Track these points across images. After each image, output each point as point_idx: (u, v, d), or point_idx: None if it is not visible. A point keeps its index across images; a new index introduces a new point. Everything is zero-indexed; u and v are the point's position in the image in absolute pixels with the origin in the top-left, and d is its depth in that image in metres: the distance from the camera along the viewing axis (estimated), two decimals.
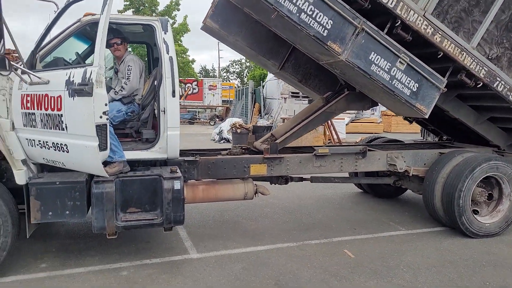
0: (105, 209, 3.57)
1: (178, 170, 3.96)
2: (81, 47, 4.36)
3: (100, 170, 3.27)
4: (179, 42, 22.30)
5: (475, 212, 4.93)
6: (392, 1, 4.00)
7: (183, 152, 4.99)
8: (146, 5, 21.85)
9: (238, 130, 5.03)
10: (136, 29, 4.33)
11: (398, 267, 3.92)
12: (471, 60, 4.42)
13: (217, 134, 14.00)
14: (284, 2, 3.72)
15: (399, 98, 4.33)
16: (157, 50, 3.91)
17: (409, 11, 4.07)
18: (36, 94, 3.28)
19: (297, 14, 3.79)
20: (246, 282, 3.57)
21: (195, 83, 30.15)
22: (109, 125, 3.55)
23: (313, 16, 3.83)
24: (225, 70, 61.36)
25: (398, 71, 4.22)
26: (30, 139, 3.44)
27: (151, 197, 3.80)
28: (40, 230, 4.38)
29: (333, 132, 12.47)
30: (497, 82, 4.58)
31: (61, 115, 3.18)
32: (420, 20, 4.14)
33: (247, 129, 4.90)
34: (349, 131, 16.86)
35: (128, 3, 21.73)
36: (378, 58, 4.13)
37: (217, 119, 23.82)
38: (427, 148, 5.91)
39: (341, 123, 16.00)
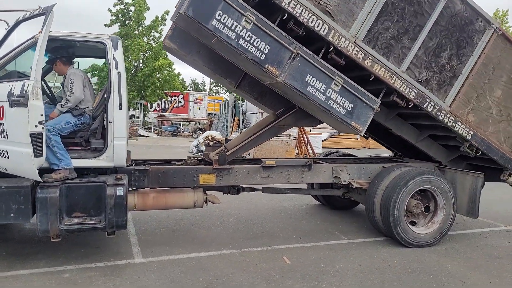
0: (49, 213, 3.80)
1: (125, 178, 4.20)
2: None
3: (34, 175, 3.51)
4: (165, 56, 22.67)
5: (413, 223, 5.26)
6: (324, 29, 4.37)
7: (138, 162, 5.26)
8: (133, 19, 22.25)
9: (211, 143, 5.18)
10: (96, 45, 4.62)
11: (328, 273, 4.19)
12: (401, 83, 4.79)
13: (195, 147, 14.25)
14: (223, 28, 4.04)
15: (335, 117, 4.67)
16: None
17: (341, 38, 4.44)
18: None
19: (236, 40, 4.11)
20: (180, 284, 3.80)
21: (181, 96, 30.50)
22: (56, 135, 3.81)
23: (251, 41, 4.15)
24: (215, 84, 61.98)
25: (333, 92, 4.55)
26: None
27: (95, 202, 4.03)
28: None
29: (309, 147, 12.83)
30: (427, 103, 4.94)
31: (3, 123, 3.44)
32: (351, 46, 4.50)
33: (219, 142, 5.10)
34: (327, 146, 17.23)
35: (114, 17, 22.11)
36: (313, 80, 4.45)
37: (200, 132, 24.07)
38: (375, 162, 6.26)
39: (318, 138, 16.39)
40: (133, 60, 22.30)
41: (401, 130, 5.73)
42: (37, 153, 3.38)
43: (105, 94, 4.26)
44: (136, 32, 22.50)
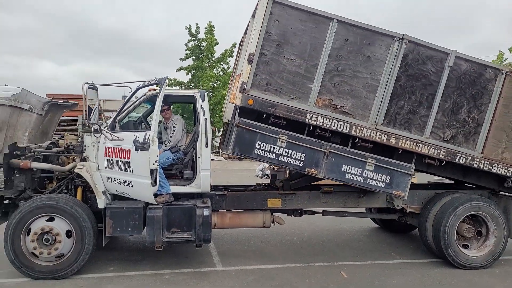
0: (155, 228, 4.98)
1: (209, 201, 5.29)
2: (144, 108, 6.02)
3: (151, 199, 4.71)
4: None
5: (466, 246, 5.64)
6: (346, 127, 5.09)
7: (217, 187, 6.36)
8: (204, 53, 24.48)
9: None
10: (188, 97, 5.87)
11: (380, 287, 4.82)
12: (428, 148, 5.28)
13: (260, 171, 15.32)
14: (264, 153, 5.02)
15: (377, 191, 5.41)
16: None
17: (362, 129, 5.12)
18: (114, 147, 4.87)
19: (276, 159, 5.05)
20: None
21: None
22: (159, 168, 5.02)
23: (289, 155, 5.06)
24: None
25: (369, 172, 5.22)
26: (108, 177, 5.01)
27: (187, 221, 5.15)
28: (108, 244, 5.89)
29: None
30: (458, 157, 5.36)
31: (129, 162, 4.73)
32: (373, 133, 5.16)
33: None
34: None
35: (190, 52, 24.50)
36: (349, 168, 5.18)
37: None
38: (430, 188, 6.70)
39: None
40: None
41: (445, 172, 5.97)
42: (153, 183, 4.58)
43: (194, 135, 5.44)
44: (207, 64, 24.64)
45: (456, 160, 5.38)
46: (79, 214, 4.87)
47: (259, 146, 5.01)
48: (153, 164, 4.51)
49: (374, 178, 5.24)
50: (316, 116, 5.04)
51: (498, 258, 5.57)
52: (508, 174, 5.55)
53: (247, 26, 5.67)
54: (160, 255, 5.75)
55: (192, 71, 24.46)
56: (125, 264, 5.47)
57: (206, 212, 5.07)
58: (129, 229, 4.95)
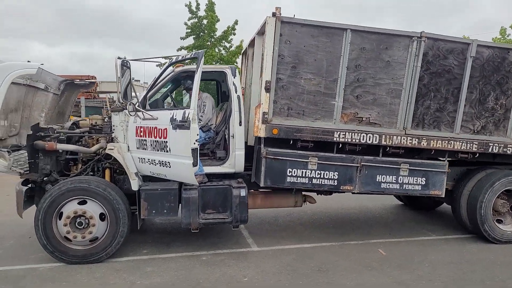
0: (191, 209, 4.86)
1: (243, 182, 5.15)
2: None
3: (193, 179, 4.55)
4: (236, 63, 24.05)
5: (499, 221, 5.60)
6: (376, 138, 4.99)
7: (246, 167, 6.22)
8: (205, 31, 23.91)
9: None
10: (218, 73, 5.64)
11: (421, 263, 4.78)
12: (460, 143, 5.19)
13: None
14: (297, 179, 4.98)
15: (414, 195, 5.38)
16: (225, 86, 5.16)
17: (392, 137, 5.01)
18: (148, 127, 4.68)
19: (310, 182, 5.04)
20: (295, 268, 4.64)
21: None
22: None
23: (322, 177, 5.02)
24: None
25: (403, 177, 5.20)
26: (141, 158, 4.84)
27: (223, 201, 5.03)
28: (134, 227, 5.79)
29: None
30: (491, 146, 5.28)
31: (166, 141, 4.55)
32: (403, 138, 5.05)
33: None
34: None
35: (189, 30, 23.93)
36: (384, 177, 5.15)
37: None
38: (460, 165, 6.57)
39: None
40: None
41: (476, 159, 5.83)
42: (195, 163, 4.42)
43: (226, 113, 5.26)
44: (209, 43, 24.11)
45: (490, 150, 5.33)
46: (112, 197, 4.72)
47: (291, 173, 5.00)
48: (194, 143, 4.34)
49: (409, 182, 5.25)
50: (344, 133, 4.95)
51: None
52: None
53: (253, 39, 5.41)
54: (191, 236, 5.65)
55: (194, 51, 23.94)
56: (158, 247, 5.38)
57: (243, 192, 4.95)
58: (165, 211, 4.83)
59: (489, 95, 5.26)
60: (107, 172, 5.15)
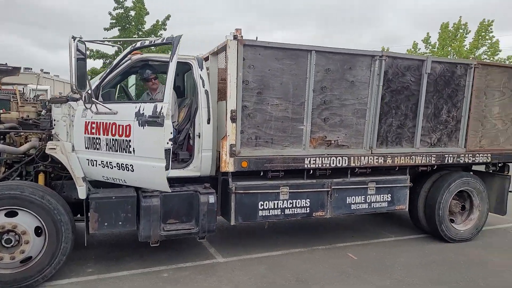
0: (152, 220, 4.19)
1: (210, 187, 4.62)
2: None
3: (165, 186, 3.90)
4: None
5: (452, 221, 5.85)
6: (345, 161, 4.92)
7: None
8: (133, 23, 22.35)
9: None
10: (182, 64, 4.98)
11: (393, 266, 4.73)
12: (420, 158, 5.35)
13: None
14: (269, 212, 4.72)
15: (381, 212, 5.47)
16: (188, 79, 4.58)
17: (360, 158, 5.01)
18: (103, 122, 3.91)
19: (283, 214, 4.78)
20: (271, 279, 4.25)
21: None
22: None
23: (294, 205, 4.83)
24: None
25: (371, 196, 5.22)
26: (91, 160, 4.04)
27: (188, 210, 4.45)
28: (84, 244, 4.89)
29: None
30: (446, 157, 5.51)
31: (129, 140, 3.82)
32: (370, 158, 5.07)
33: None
34: None
35: (115, 21, 22.16)
36: (353, 198, 5.14)
37: None
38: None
39: None
40: None
41: None
42: (167, 166, 3.77)
43: (190, 110, 4.67)
44: (136, 36, 22.57)
45: (445, 162, 5.53)
46: (52, 206, 3.88)
47: (262, 206, 4.71)
48: (168, 142, 3.70)
49: (377, 200, 5.28)
50: (314, 159, 4.79)
51: (480, 230, 5.89)
52: (487, 161, 5.84)
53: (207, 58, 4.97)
54: (143, 249, 4.95)
55: (119, 43, 22.13)
56: (106, 263, 4.59)
57: (212, 199, 4.42)
58: (120, 223, 4.10)
59: (442, 108, 5.45)
60: (41, 176, 4.26)
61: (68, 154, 4.02)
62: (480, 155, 5.75)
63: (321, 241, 5.53)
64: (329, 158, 4.88)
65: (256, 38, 4.47)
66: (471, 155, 5.68)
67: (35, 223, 3.88)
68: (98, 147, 3.97)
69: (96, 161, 4.02)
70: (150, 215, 4.17)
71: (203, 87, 4.52)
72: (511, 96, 5.87)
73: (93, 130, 3.97)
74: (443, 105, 5.45)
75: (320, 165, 4.83)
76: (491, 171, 6.14)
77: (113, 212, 4.04)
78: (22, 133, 4.50)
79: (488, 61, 20.83)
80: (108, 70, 4.15)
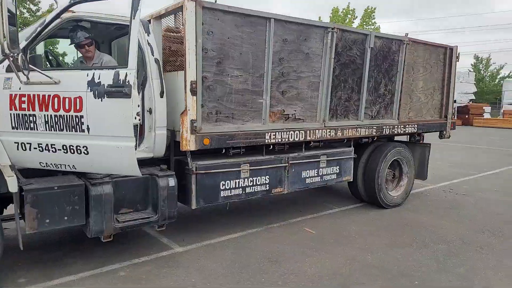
0: (104, 211, 3.55)
1: (167, 169, 4.11)
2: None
3: (135, 170, 3.26)
4: None
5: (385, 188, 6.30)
6: (302, 135, 4.89)
7: None
8: None
9: None
10: (106, 28, 4.25)
11: (350, 236, 4.88)
12: (364, 130, 5.60)
13: None
14: (231, 192, 4.47)
15: (331, 184, 5.61)
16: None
17: (315, 131, 5.02)
18: (38, 95, 3.08)
19: (244, 192, 4.58)
20: (244, 263, 4.01)
21: None
22: None
23: (255, 183, 4.67)
24: None
25: (323, 169, 5.32)
26: (23, 143, 3.19)
27: (143, 196, 3.90)
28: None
29: None
30: (384, 129, 5.86)
31: (81, 116, 3.08)
32: (324, 131, 5.12)
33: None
34: None
35: None
36: (308, 172, 5.17)
37: None
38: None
39: None
40: None
41: None
42: (136, 146, 3.13)
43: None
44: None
45: (384, 133, 5.87)
46: None
47: (224, 186, 4.40)
48: (135, 117, 3.08)
49: (327, 173, 5.40)
50: (274, 133, 4.64)
51: (408, 195, 6.48)
52: (414, 131, 6.39)
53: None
54: (84, 247, 4.25)
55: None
56: (42, 267, 3.79)
57: (172, 182, 3.94)
58: (65, 218, 3.38)
59: (381, 82, 5.73)
60: None
61: None
62: (409, 126, 6.27)
63: (275, 219, 5.43)
64: (287, 133, 4.77)
65: (215, 1, 4.01)
66: (402, 126, 6.14)
67: None
68: (33, 126, 3.15)
69: (31, 144, 3.19)
70: (102, 206, 3.52)
71: (152, 55, 3.92)
72: (431, 71, 6.49)
73: (24, 105, 3.12)
74: (382, 79, 5.74)
75: (279, 140, 4.69)
76: (415, 141, 6.74)
77: (56, 205, 3.30)
78: None
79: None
80: (39, 29, 3.26)
